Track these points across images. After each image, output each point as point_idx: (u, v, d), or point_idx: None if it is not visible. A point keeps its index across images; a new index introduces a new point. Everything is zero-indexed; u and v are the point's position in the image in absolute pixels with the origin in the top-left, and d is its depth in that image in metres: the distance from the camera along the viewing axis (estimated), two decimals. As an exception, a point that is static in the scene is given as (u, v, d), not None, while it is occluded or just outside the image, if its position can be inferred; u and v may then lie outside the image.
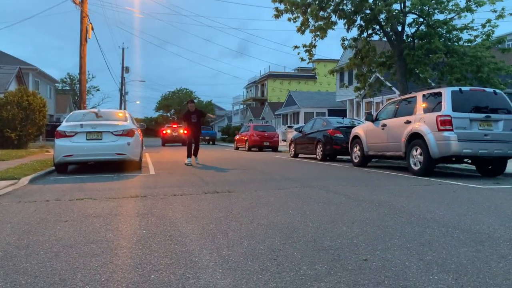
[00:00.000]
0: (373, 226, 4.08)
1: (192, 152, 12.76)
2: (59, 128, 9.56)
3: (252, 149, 23.81)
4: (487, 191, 6.68)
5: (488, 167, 9.21)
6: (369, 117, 11.53)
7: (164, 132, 32.44)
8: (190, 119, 12.81)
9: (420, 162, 8.88)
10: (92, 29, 19.19)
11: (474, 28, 13.67)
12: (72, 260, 3.02)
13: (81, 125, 9.45)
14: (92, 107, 43.95)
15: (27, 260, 3.03)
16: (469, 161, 9.32)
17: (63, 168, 9.78)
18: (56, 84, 48.83)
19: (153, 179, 8.52)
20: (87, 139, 9.37)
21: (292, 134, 19.95)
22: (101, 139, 9.44)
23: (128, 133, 9.67)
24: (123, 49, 45.68)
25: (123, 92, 47.95)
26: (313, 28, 14.70)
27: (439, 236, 3.67)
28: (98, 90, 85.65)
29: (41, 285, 2.53)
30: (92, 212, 4.88)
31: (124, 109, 43.75)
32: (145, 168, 10.81)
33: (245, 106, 66.94)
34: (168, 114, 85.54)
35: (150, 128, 65.05)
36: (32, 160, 12.13)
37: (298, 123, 38.46)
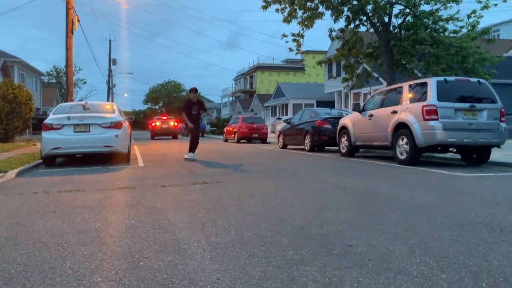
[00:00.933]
0: (359, 213, 4.16)
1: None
2: (46, 121, 9.48)
3: (241, 141, 23.84)
4: (471, 179, 6.81)
5: (472, 156, 9.37)
6: (357, 108, 11.62)
7: (154, 124, 30.49)
8: (191, 110, 11.17)
9: (406, 152, 9.01)
10: (78, 21, 18.96)
11: (459, 19, 13.79)
12: (61, 249, 3.05)
13: (68, 118, 9.38)
14: (80, 100, 43.51)
15: (16, 250, 3.05)
16: (454, 150, 9.46)
17: (50, 161, 9.72)
18: (42, 77, 48.22)
19: (141, 171, 8.53)
20: (74, 132, 9.31)
21: (281, 126, 20.02)
22: (88, 132, 9.39)
23: (116, 125, 9.63)
24: (110, 41, 45.18)
25: (110, 84, 47.52)
26: (300, 19, 14.73)
27: (423, 222, 3.76)
28: (85, 83, 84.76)
29: (30, 273, 2.56)
30: (80, 203, 4.89)
31: (112, 101, 43.36)
32: (133, 161, 10.79)
33: (234, 98, 66.80)
34: (157, 106, 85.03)
35: (138, 121, 64.57)
36: (19, 153, 12.03)
37: (287, 114, 38.53)
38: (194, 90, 11.33)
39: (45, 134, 9.28)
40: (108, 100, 43.69)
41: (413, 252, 2.89)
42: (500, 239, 3.20)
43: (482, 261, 2.69)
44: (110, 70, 46.11)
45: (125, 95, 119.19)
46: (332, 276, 2.45)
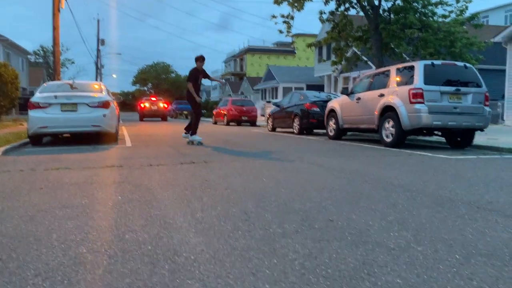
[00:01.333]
0: (342, 191, 4.25)
1: (188, 126, 10.58)
2: (32, 99, 9.40)
3: (231, 124, 23.84)
4: (453, 161, 6.95)
5: (457, 139, 9.52)
6: (345, 91, 11.69)
7: (142, 105, 29.56)
8: (197, 80, 10.18)
9: (392, 134, 9.12)
10: (65, -2, 18.60)
11: (448, 3, 13.87)
12: (47, 223, 3.08)
13: (55, 97, 9.31)
14: (69, 79, 42.89)
15: (1, 223, 3.08)
16: (439, 133, 9.61)
17: (37, 140, 9.66)
18: (29, 57, 47.33)
19: (129, 150, 8.53)
20: (61, 111, 9.24)
21: (270, 109, 20.05)
22: (76, 111, 9.33)
23: (104, 104, 9.57)
24: (98, 20, 44.54)
25: (98, 65, 46.94)
26: (291, 1, 14.66)
27: (403, 200, 3.86)
28: (73, 63, 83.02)
29: (16, 245, 2.60)
30: (67, 180, 4.91)
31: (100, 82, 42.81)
32: (121, 141, 10.78)
33: (223, 80, 66.42)
34: (145, 88, 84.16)
35: (127, 102, 63.98)
36: (6, 132, 11.91)
37: (277, 98, 38.48)
38: (201, 59, 10.14)
39: (31, 113, 9.20)
40: (96, 81, 43.17)
41: (392, 227, 2.99)
42: (476, 215, 3.32)
43: (458, 236, 2.80)
44: (98, 50, 45.52)
45: (114, 76, 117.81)
46: (312, 248, 2.53)
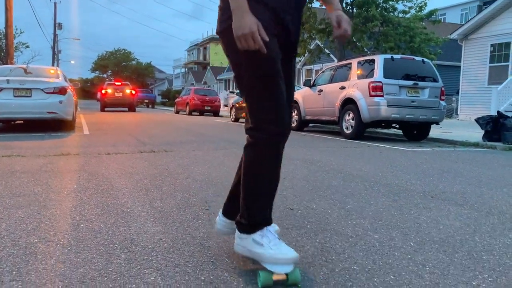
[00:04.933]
0: (302, 181, 4.29)
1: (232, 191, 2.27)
2: (-18, 84, 8.91)
3: (193, 113, 23.62)
4: (410, 153, 7.18)
5: (413, 132, 9.83)
6: (307, 83, 11.79)
7: (104, 91, 24.42)
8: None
9: (351, 126, 9.31)
10: (19, -22, 17.73)
11: None
12: (-4, 212, 2.94)
13: (8, 81, 8.86)
14: (23, 63, 41.03)
15: None
16: (397, 126, 9.89)
17: (-13, 126, 9.21)
18: (-21, 39, 44.86)
19: (86, 138, 8.27)
20: (14, 96, 8.83)
21: (233, 99, 19.97)
22: (30, 97, 8.94)
23: (60, 90, 9.22)
24: (55, 3, 42.65)
25: (55, 50, 45.11)
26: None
27: (362, 189, 3.94)
28: (27, 47, 79.50)
29: (-38, 235, 2.46)
30: (19, 168, 4.70)
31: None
32: (78, 128, 10.44)
33: (186, 69, 65.49)
34: (105, 75, 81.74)
35: (85, 89, 62.02)
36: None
37: (239, 88, 38.36)
38: None
39: (-19, 98, 8.73)
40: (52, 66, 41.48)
41: (350, 215, 3.04)
42: (430, 204, 3.43)
43: (413, 224, 2.88)
44: (55, 35, 43.72)
45: (72, 62, 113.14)
46: (272, 236, 2.53)
